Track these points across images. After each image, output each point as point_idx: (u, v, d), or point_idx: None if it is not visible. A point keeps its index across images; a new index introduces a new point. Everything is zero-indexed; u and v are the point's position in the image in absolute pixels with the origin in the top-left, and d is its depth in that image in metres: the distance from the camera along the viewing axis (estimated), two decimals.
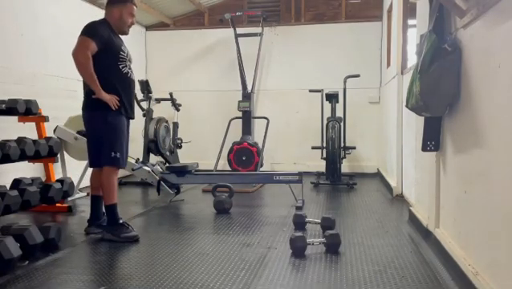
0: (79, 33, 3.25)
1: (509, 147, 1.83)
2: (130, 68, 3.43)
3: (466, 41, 2.46)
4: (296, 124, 7.02)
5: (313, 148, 6.10)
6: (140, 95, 6.09)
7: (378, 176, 6.41)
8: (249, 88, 6.56)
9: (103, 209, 3.38)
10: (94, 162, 3.43)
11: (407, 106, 2.90)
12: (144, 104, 6.06)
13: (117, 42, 3.37)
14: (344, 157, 6.07)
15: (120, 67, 3.32)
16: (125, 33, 3.47)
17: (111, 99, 3.20)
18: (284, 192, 4.70)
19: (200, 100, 7.25)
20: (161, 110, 6.39)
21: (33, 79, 4.78)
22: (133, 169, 5.00)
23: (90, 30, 3.23)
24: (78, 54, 3.16)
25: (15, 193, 3.42)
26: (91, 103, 3.26)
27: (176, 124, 6.44)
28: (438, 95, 2.58)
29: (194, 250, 3.01)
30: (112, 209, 3.31)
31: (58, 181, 4.01)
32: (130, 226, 3.32)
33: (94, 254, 3.04)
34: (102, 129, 3.26)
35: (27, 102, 4.07)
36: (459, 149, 2.58)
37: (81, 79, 3.25)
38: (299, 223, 3.52)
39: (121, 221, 3.32)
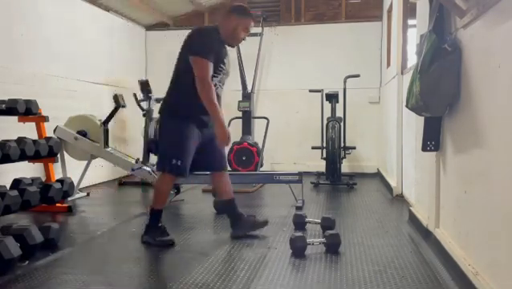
0: (191, 46, 3.03)
1: (509, 147, 1.83)
2: (221, 82, 3.20)
3: (466, 41, 2.46)
4: (296, 124, 7.02)
5: (313, 148, 6.10)
6: (140, 95, 6.10)
7: (378, 176, 6.41)
8: (249, 88, 6.56)
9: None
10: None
11: (407, 106, 2.90)
12: (144, 104, 6.05)
13: (222, 54, 3.17)
14: (344, 157, 6.07)
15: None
16: (232, 46, 3.28)
17: (226, 135, 3.02)
18: (284, 192, 4.70)
19: None
20: None
21: (33, 79, 4.78)
22: (133, 169, 5.00)
23: (206, 49, 3.00)
24: (205, 82, 2.97)
25: (15, 193, 3.42)
26: (169, 110, 3.15)
27: None
28: (438, 95, 2.58)
29: (194, 250, 3.01)
30: (156, 214, 3.17)
31: (58, 181, 4.01)
32: (166, 231, 3.20)
33: (94, 254, 3.04)
34: (173, 135, 3.09)
35: (27, 102, 4.07)
36: (459, 149, 2.58)
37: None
38: (299, 223, 3.52)
39: (159, 225, 3.19)
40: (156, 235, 3.13)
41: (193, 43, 3.07)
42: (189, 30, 3.20)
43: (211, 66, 3.01)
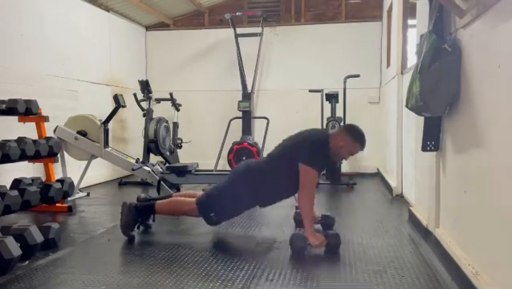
0: (304, 154, 3.03)
1: (509, 147, 1.83)
2: None
3: (466, 41, 2.46)
4: (296, 124, 6.94)
5: None
6: (140, 95, 6.11)
7: (378, 176, 6.41)
8: (249, 88, 6.56)
9: None
10: None
11: (407, 106, 2.90)
12: (144, 104, 6.06)
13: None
14: None
15: None
16: (333, 161, 3.30)
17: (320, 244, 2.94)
18: None
19: (200, 100, 7.25)
20: (161, 110, 6.39)
21: (33, 79, 4.78)
22: (133, 169, 5.01)
23: (319, 164, 3.08)
24: (310, 191, 3.07)
25: (15, 193, 3.43)
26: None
27: (176, 124, 6.45)
28: (438, 95, 2.58)
29: (194, 249, 3.01)
30: (150, 208, 3.39)
31: (58, 181, 4.01)
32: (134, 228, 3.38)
33: (94, 254, 3.04)
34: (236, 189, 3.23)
35: (27, 102, 4.07)
36: (459, 149, 2.58)
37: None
38: (300, 221, 3.52)
39: (139, 219, 3.40)
40: (131, 222, 3.30)
41: (309, 158, 3.04)
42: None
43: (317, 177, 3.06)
